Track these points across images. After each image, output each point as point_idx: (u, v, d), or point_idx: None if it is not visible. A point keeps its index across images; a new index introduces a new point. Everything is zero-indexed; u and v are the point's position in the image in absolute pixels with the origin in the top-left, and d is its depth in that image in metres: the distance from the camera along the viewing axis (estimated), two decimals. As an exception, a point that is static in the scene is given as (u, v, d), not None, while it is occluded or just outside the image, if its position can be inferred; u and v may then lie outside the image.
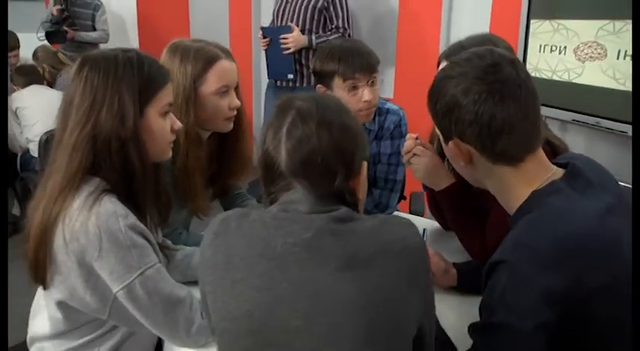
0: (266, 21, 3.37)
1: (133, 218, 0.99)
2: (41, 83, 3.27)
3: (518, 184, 0.94)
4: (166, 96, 1.07)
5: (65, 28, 3.62)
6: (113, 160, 1.00)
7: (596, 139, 2.32)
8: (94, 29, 3.82)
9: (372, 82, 1.54)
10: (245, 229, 0.83)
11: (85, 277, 0.98)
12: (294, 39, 2.93)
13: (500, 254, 0.86)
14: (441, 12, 2.86)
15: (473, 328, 0.91)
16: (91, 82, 0.99)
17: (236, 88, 1.36)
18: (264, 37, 2.96)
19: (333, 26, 3.03)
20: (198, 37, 1.38)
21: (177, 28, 3.81)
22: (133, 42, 3.98)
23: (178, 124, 1.11)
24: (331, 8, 2.98)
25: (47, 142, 2.21)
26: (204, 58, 1.30)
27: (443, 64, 1.38)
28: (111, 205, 0.97)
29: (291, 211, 0.82)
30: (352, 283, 0.76)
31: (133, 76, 1.01)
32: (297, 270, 0.78)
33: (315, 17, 3.00)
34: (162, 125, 1.07)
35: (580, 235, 0.85)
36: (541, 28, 2.31)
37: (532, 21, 2.36)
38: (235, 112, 1.36)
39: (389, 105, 1.70)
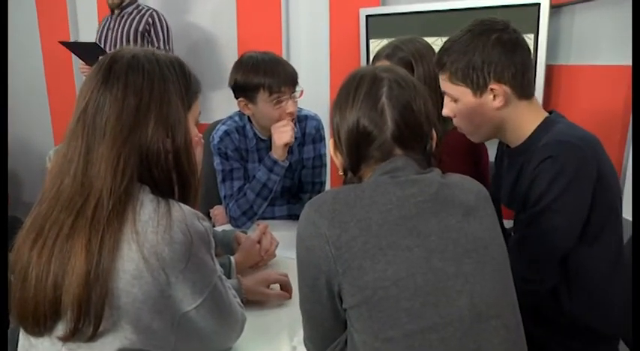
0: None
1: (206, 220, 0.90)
2: None
3: (532, 114, 1.23)
4: (199, 105, 0.98)
5: None
6: (162, 167, 0.87)
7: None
8: None
9: (295, 94, 1.60)
10: (373, 199, 0.83)
11: (154, 299, 0.82)
12: None
13: (544, 153, 1.12)
14: (281, 33, 3.04)
15: (527, 218, 1.13)
16: (133, 83, 0.86)
17: None
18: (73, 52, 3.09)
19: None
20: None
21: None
22: None
23: (199, 136, 1.01)
24: (152, 31, 3.06)
25: None
26: None
27: (381, 63, 1.54)
28: (186, 208, 0.86)
29: (401, 176, 0.86)
30: (476, 226, 0.85)
31: (177, 78, 0.91)
32: (436, 222, 0.83)
33: (139, 41, 3.04)
34: (194, 135, 0.97)
35: (590, 136, 1.18)
36: (379, 46, 2.66)
37: (371, 40, 2.71)
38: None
39: (305, 111, 1.78)
